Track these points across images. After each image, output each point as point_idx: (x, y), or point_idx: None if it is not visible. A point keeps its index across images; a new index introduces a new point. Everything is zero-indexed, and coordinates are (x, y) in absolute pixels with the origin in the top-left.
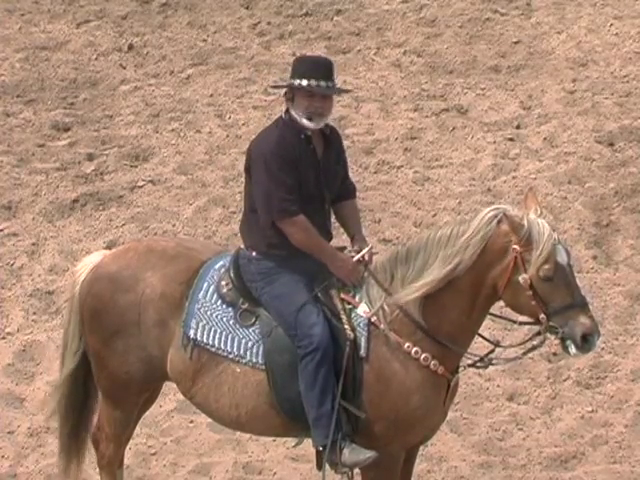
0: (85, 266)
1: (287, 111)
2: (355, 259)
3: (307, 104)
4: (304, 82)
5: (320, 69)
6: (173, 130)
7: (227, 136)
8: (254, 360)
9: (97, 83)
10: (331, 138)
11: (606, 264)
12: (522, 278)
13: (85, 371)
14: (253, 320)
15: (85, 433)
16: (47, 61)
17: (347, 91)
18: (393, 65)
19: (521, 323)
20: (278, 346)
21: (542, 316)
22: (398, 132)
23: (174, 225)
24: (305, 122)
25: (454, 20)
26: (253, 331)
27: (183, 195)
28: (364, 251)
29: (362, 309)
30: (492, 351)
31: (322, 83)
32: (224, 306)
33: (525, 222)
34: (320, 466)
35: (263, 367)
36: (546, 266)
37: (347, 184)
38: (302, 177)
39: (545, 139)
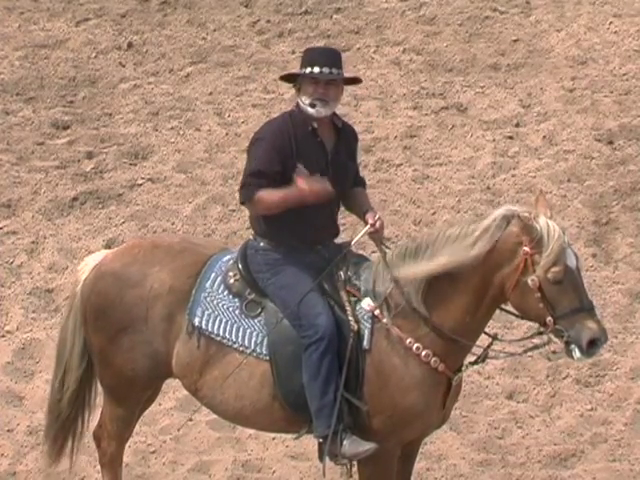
0: (86, 265)
1: (297, 104)
2: (361, 234)
3: (311, 90)
4: (308, 69)
5: (326, 56)
6: (172, 128)
7: (226, 134)
8: (258, 351)
9: (96, 81)
10: (344, 132)
11: (605, 262)
12: (531, 280)
13: (89, 372)
14: (259, 311)
15: (75, 432)
16: (46, 59)
17: (354, 80)
18: (392, 63)
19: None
20: (283, 337)
21: (549, 319)
22: (397, 130)
23: (173, 223)
24: (309, 110)
25: (453, 18)
26: (258, 322)
27: (182, 193)
28: (366, 228)
29: (366, 302)
30: (490, 344)
31: (325, 69)
32: (230, 296)
33: (537, 224)
34: (322, 457)
35: (267, 358)
36: (556, 269)
37: (357, 177)
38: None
39: (544, 137)
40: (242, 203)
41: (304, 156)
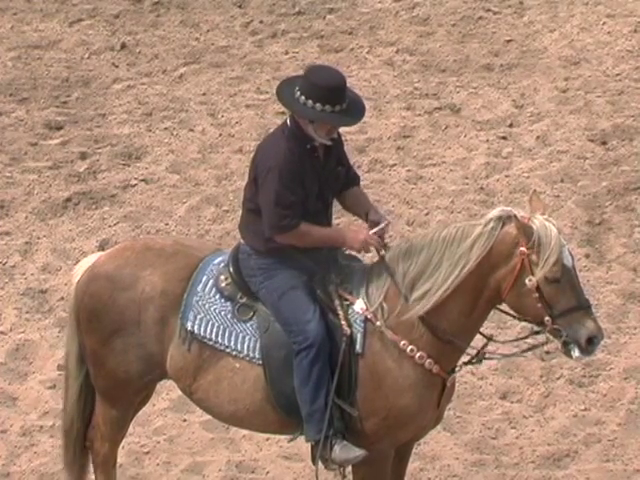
0: (80, 268)
1: (292, 118)
2: (372, 231)
3: (330, 128)
4: (327, 108)
5: (338, 93)
6: (166, 129)
7: (220, 135)
8: (251, 355)
9: (90, 82)
10: (334, 141)
11: (599, 262)
12: (529, 280)
13: (90, 377)
14: (251, 315)
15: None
16: (39, 60)
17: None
18: (386, 64)
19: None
20: (275, 341)
21: (547, 319)
22: (391, 131)
23: (167, 224)
24: (326, 142)
25: (446, 19)
26: (250, 326)
27: (176, 194)
28: (381, 225)
29: (359, 306)
30: (485, 345)
31: (337, 108)
32: (222, 300)
33: (533, 224)
34: (315, 461)
35: (260, 362)
36: (554, 268)
37: (350, 174)
38: (307, 187)
39: (538, 138)
40: (277, 235)
41: (307, 172)
